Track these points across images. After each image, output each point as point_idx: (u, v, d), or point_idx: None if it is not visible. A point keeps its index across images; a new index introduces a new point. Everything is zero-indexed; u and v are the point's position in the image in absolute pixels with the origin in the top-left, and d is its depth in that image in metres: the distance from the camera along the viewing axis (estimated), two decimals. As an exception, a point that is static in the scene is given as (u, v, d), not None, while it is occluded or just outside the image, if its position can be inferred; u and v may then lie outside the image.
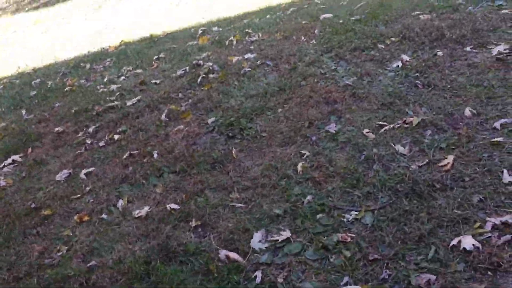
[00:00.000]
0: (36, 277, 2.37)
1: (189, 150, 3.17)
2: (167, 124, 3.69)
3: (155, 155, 3.23)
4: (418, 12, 4.54)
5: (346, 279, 1.91)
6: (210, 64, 4.67)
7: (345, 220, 2.22)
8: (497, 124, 2.56)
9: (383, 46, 3.97)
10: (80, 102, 4.72)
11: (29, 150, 3.97)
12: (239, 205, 2.52)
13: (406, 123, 2.80)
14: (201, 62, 4.86)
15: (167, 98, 4.19)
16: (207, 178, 2.82)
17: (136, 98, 4.36)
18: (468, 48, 3.52)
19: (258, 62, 4.36)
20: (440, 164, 2.40)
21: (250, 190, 2.62)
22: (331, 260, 2.02)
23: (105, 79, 5.32)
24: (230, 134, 3.26)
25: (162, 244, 2.33)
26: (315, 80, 3.65)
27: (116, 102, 4.40)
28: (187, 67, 4.83)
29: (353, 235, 2.11)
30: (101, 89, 4.95)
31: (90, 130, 3.99)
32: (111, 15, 10.00)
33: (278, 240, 2.20)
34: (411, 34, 4.01)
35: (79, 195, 3.02)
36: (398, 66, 3.53)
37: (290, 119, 3.21)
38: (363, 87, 3.35)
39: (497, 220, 1.97)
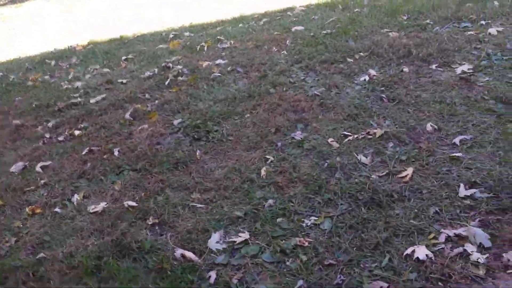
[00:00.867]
0: (-19, 268, 2.25)
1: (152, 150, 3.11)
2: (131, 123, 3.63)
3: (116, 153, 3.16)
4: (387, 30, 4.65)
5: (300, 282, 1.89)
6: (180, 67, 4.64)
7: (304, 225, 2.21)
8: (456, 140, 2.63)
9: (352, 60, 4.04)
10: (42, 97, 4.59)
11: (-15, 141, 3.82)
12: (200, 205, 2.48)
13: (370, 135, 2.84)
14: (170, 65, 4.82)
15: (134, 97, 4.13)
16: (169, 178, 2.77)
17: (101, 96, 4.28)
18: (433, 66, 3.62)
19: (229, 68, 4.36)
20: (400, 175, 2.44)
21: (212, 191, 2.59)
22: (288, 263, 2.01)
23: (70, 76, 5.20)
24: (196, 136, 3.23)
25: (116, 240, 2.26)
26: (284, 89, 3.67)
27: (79, 99, 4.30)
28: (156, 69, 4.78)
29: (311, 240, 2.11)
30: (65, 86, 4.83)
31: (50, 125, 3.87)
32: (81, 14, 9.83)
33: (236, 241, 2.17)
34: (379, 50, 4.10)
35: (33, 188, 2.91)
36: (365, 80, 3.59)
37: (257, 125, 3.21)
38: (331, 98, 3.39)
39: (451, 232, 2.01)
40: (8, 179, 3.08)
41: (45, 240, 2.39)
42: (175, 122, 3.48)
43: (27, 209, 2.66)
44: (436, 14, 4.86)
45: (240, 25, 6.16)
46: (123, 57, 5.52)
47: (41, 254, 2.26)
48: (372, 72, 3.70)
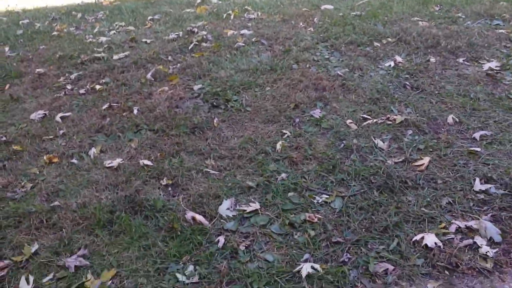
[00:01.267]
0: (-4, 208, 2.32)
1: (171, 112, 3.13)
2: (152, 84, 3.64)
3: (135, 111, 3.18)
4: (418, 18, 4.57)
5: (306, 256, 1.92)
6: (205, 33, 4.62)
7: (315, 201, 2.23)
8: (476, 135, 2.61)
9: (378, 45, 3.99)
10: (66, 48, 4.61)
11: (7, 86, 3.86)
12: (213, 171, 2.51)
13: (390, 120, 2.83)
14: (195, 29, 4.79)
15: (156, 58, 4.13)
16: (185, 141, 2.79)
17: (124, 54, 4.28)
18: (460, 60, 3.57)
19: (253, 40, 4.33)
20: (416, 163, 2.43)
21: (226, 159, 2.61)
22: (295, 236, 2.03)
23: (95, 30, 5.20)
24: (215, 104, 3.23)
25: (129, 197, 2.30)
26: (307, 66, 3.65)
27: (103, 54, 4.31)
28: (181, 33, 4.76)
29: (320, 216, 2.13)
30: (90, 39, 4.84)
31: (72, 76, 3.90)
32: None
33: (246, 210, 2.20)
34: (407, 38, 4.04)
35: (51, 137, 2.96)
36: (390, 65, 3.55)
37: (277, 99, 3.20)
38: (353, 79, 3.37)
39: (462, 224, 2.01)
40: (27, 125, 3.13)
41: (60, 189, 2.43)
42: (195, 87, 3.48)
43: (44, 157, 2.71)
44: (469, 8, 4.76)
45: (269, -3, 6.08)
46: (149, 17, 5.51)
47: (56, 202, 2.31)
48: (398, 58, 3.66)
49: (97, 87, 3.61)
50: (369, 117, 2.89)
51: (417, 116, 2.85)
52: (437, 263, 1.84)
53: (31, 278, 1.92)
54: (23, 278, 1.93)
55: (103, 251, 2.01)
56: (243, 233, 2.08)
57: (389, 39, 4.08)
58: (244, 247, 1.99)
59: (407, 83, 3.28)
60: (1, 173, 2.63)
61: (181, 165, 2.57)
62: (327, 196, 2.25)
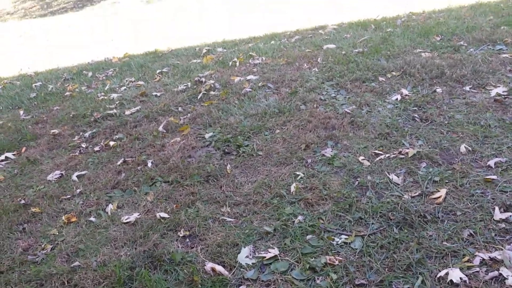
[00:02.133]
0: (18, 272, 2.33)
1: (184, 162, 3.17)
2: (164, 136, 3.70)
3: (149, 164, 3.23)
4: (420, 50, 4.64)
5: (331, 301, 1.89)
6: (212, 82, 4.72)
7: (334, 243, 2.21)
8: (491, 162, 2.59)
9: (383, 79, 4.04)
10: (79, 107, 4.74)
11: (23, 149, 3.95)
12: (230, 219, 2.51)
13: (402, 154, 2.83)
14: (203, 79, 4.90)
15: (167, 110, 4.21)
16: (200, 191, 2.81)
17: (136, 108, 4.38)
18: (467, 88, 3.59)
19: (260, 84, 4.41)
20: (433, 196, 2.41)
21: (241, 205, 2.62)
22: (318, 281, 2.01)
23: (106, 87, 5.35)
24: (226, 150, 3.27)
25: (148, 251, 2.31)
26: (315, 106, 3.69)
27: (115, 110, 4.41)
28: (189, 83, 4.87)
29: (341, 258, 2.10)
30: (101, 97, 4.97)
31: (87, 135, 3.99)
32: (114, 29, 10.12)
33: (265, 257, 2.18)
34: (412, 70, 4.09)
35: (69, 196, 3.00)
36: (397, 99, 3.58)
37: (287, 141, 3.23)
38: (362, 116, 3.39)
39: (485, 256, 1.98)
40: (45, 187, 3.18)
41: (80, 248, 2.45)
42: (207, 135, 3.53)
43: (63, 217, 2.74)
44: (470, 35, 4.82)
45: (272, 42, 6.23)
46: (158, 70, 5.65)
47: (76, 263, 2.32)
48: (404, 91, 3.69)
49: (111, 143, 3.68)
50: (381, 152, 2.90)
51: (429, 148, 2.85)
52: (465, 298, 1.80)
53: None
54: None
55: (125, 309, 2.00)
56: (264, 281, 2.06)
57: (394, 73, 4.13)
58: (266, 296, 1.97)
59: (416, 115, 3.29)
60: (21, 237, 2.66)
61: (197, 215, 2.57)
62: (346, 237, 2.23)
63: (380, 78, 4.07)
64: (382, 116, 3.35)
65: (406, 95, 3.63)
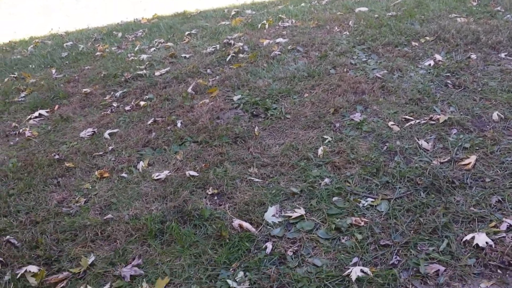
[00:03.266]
0: (53, 223, 2.44)
1: (213, 123, 3.20)
2: (193, 97, 3.73)
3: (179, 124, 3.28)
4: (455, 15, 4.50)
5: (355, 259, 1.93)
6: (241, 44, 4.69)
7: (360, 205, 2.23)
8: (524, 130, 2.55)
9: (417, 44, 3.95)
10: (110, 67, 4.80)
11: (56, 106, 4.05)
12: (257, 179, 2.55)
13: (433, 120, 2.79)
14: (232, 41, 4.88)
15: (196, 72, 4.23)
16: (228, 151, 2.85)
17: (165, 69, 4.42)
18: (502, 55, 3.49)
19: (289, 47, 4.37)
20: (462, 162, 2.40)
21: (269, 167, 2.65)
22: (343, 241, 2.04)
23: (136, 48, 5.38)
24: (254, 113, 3.29)
25: (178, 207, 2.38)
26: (345, 70, 3.65)
27: (145, 71, 4.46)
28: (218, 45, 4.86)
29: (367, 220, 2.13)
30: (131, 58, 5.01)
31: (117, 94, 4.06)
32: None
33: (291, 216, 2.22)
34: (446, 35, 3.98)
35: (101, 153, 3.09)
36: (430, 64, 3.51)
37: (316, 105, 3.22)
38: (393, 81, 3.35)
39: (513, 222, 1.97)
40: (78, 143, 3.28)
41: (112, 202, 2.54)
42: (235, 98, 3.55)
43: (96, 173, 2.83)
44: (508, 1, 4.63)
45: (302, 4, 6.12)
46: (186, 32, 5.65)
47: (109, 215, 2.42)
48: (438, 57, 3.61)
49: (141, 103, 3.74)
50: (411, 118, 2.87)
51: (461, 115, 2.80)
52: (489, 262, 1.81)
53: (90, 288, 2.01)
54: (82, 289, 2.02)
55: (156, 260, 2.08)
56: (290, 238, 2.11)
57: (427, 38, 4.03)
58: (291, 253, 2.02)
59: (449, 81, 3.23)
60: (55, 190, 2.76)
61: (226, 175, 2.62)
62: (373, 200, 2.25)
63: (413, 43, 3.98)
64: (414, 81, 3.30)
65: (439, 60, 3.55)
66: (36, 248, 2.30)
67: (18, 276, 2.12)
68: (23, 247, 2.31)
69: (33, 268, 2.15)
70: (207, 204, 2.41)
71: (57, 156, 3.09)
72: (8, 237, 2.39)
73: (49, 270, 2.16)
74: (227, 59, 4.38)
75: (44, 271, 2.14)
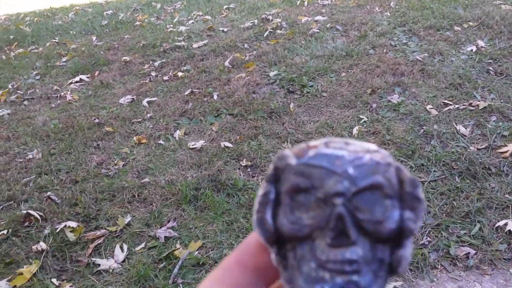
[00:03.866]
0: (92, 183, 2.54)
1: (248, 97, 3.24)
2: (230, 71, 3.77)
3: (215, 97, 3.33)
4: (500, 1, 4.35)
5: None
6: (279, 20, 4.68)
7: (393, 185, 2.24)
8: None
9: (459, 29, 3.86)
10: (149, 37, 4.86)
11: (97, 72, 4.15)
12: (291, 154, 2.58)
13: (472, 106, 2.76)
14: (270, 17, 4.86)
15: (233, 46, 4.25)
16: (263, 125, 2.89)
17: (203, 42, 4.45)
18: (549, 44, 3.39)
19: (328, 26, 4.33)
20: (500, 150, 2.37)
21: (303, 143, 2.67)
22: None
23: (175, 20, 5.43)
24: (290, 89, 3.30)
25: (212, 176, 2.44)
26: (384, 51, 3.61)
27: (183, 43, 4.50)
28: (256, 20, 4.85)
29: (399, 200, 2.14)
30: (170, 29, 5.06)
31: (156, 64, 4.12)
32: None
33: (324, 192, 2.25)
34: (490, 22, 3.87)
35: (140, 120, 3.17)
36: (472, 50, 3.44)
37: (353, 84, 3.21)
38: (434, 64, 3.30)
39: (549, 212, 1.96)
40: (117, 109, 3.37)
41: (149, 167, 2.62)
42: (271, 73, 3.56)
43: (134, 138, 2.92)
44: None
45: (343, -17, 6.02)
46: (225, 6, 5.65)
47: (146, 179, 2.50)
48: (481, 43, 3.53)
49: (179, 74, 3.80)
50: (450, 102, 2.83)
51: (501, 102, 2.76)
52: (522, 249, 1.81)
53: (125, 246, 2.10)
54: (117, 246, 2.11)
55: (190, 224, 2.16)
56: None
57: (470, 23, 3.93)
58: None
59: (491, 68, 3.16)
60: (95, 152, 2.86)
61: (259, 148, 2.66)
62: (406, 181, 2.26)
63: (456, 28, 3.89)
64: (455, 66, 3.24)
65: (482, 46, 3.48)
66: (75, 205, 2.40)
67: (58, 230, 2.22)
68: (63, 204, 2.42)
69: (72, 224, 2.26)
70: (240, 174, 2.46)
71: (97, 120, 3.19)
72: (49, 193, 2.50)
73: (87, 227, 2.26)
74: (265, 35, 4.37)
75: (82, 227, 2.24)
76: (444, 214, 2.03)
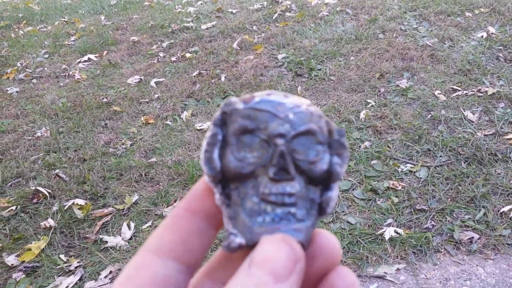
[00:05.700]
0: (100, 161, 2.56)
1: (256, 80, 3.23)
2: (238, 53, 3.76)
3: (223, 78, 3.33)
4: (516, -13, 4.29)
5: (389, 220, 1.97)
6: (289, 3, 4.64)
7: (399, 170, 2.25)
8: None
9: (470, 15, 3.82)
10: (158, 18, 4.84)
11: (105, 52, 4.15)
12: (298, 137, 2.59)
13: (480, 92, 2.74)
14: (279, -1, 4.83)
15: (242, 28, 4.23)
16: (270, 108, 2.88)
17: (211, 23, 4.43)
18: (562, 31, 3.35)
19: (338, 9, 4.29)
20: (507, 137, 2.37)
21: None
22: (378, 202, 2.08)
23: (184, 0, 5.39)
24: (298, 72, 3.30)
25: (219, 157, 2.45)
26: (394, 35, 3.59)
27: (191, 24, 4.49)
28: (265, 2, 4.82)
29: (404, 184, 2.15)
30: (179, 9, 5.04)
31: (164, 45, 4.12)
32: None
33: (330, 175, 2.26)
34: (501, 8, 3.83)
35: (147, 100, 3.18)
36: (482, 36, 3.41)
37: (361, 68, 3.20)
38: (443, 50, 3.27)
39: (554, 199, 1.96)
40: (125, 89, 3.38)
41: (157, 147, 2.64)
42: (279, 56, 3.55)
43: (142, 118, 2.94)
44: None
45: (354, -34, 5.95)
46: (234, -12, 5.61)
47: (153, 159, 2.52)
48: (491, 29, 3.49)
49: (187, 55, 3.80)
50: (459, 88, 2.82)
51: (510, 89, 2.74)
52: (526, 235, 1.82)
53: (132, 224, 2.13)
54: (125, 224, 2.14)
55: (196, 204, 2.18)
56: (326, 195, 2.15)
57: (482, 9, 3.89)
58: (327, 209, 2.07)
59: (501, 55, 3.13)
60: (103, 131, 2.89)
61: (267, 130, 2.67)
62: (412, 166, 2.27)
63: (467, 13, 3.85)
64: (465, 52, 3.22)
65: (492, 33, 3.44)
66: (83, 183, 2.43)
67: (66, 207, 2.26)
68: (71, 181, 2.45)
69: (80, 201, 2.29)
70: (247, 156, 2.47)
71: (105, 100, 3.21)
72: (57, 171, 2.53)
73: (95, 205, 2.29)
74: (274, 17, 4.35)
75: (90, 205, 2.27)
76: (449, 199, 2.04)
